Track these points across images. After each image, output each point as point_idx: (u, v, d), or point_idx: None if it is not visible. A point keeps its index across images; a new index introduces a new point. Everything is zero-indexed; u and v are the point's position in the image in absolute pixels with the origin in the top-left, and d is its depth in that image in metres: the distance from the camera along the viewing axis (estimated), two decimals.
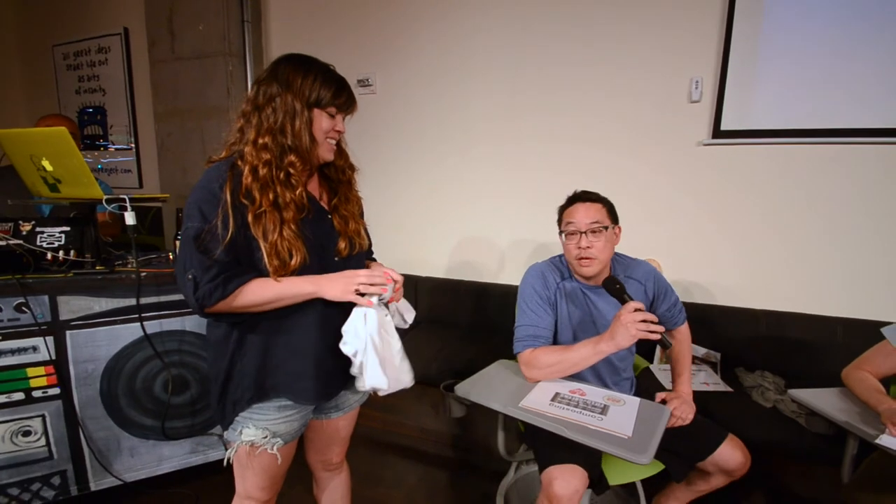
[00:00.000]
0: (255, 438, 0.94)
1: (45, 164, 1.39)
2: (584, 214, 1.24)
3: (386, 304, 1.01)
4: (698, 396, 1.35)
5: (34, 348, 1.40)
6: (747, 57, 1.87)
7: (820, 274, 1.93)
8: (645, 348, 1.88)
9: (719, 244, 2.06)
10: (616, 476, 1.18)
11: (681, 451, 1.22)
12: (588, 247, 1.21)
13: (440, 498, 1.74)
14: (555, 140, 2.27)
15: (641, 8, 2.03)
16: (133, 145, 3.36)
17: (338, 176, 1.03)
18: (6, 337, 1.36)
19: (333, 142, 0.97)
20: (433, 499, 1.73)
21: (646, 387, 1.42)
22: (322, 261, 0.96)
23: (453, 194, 2.53)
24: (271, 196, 0.87)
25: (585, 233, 1.22)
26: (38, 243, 1.46)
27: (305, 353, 0.94)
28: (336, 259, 0.99)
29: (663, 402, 1.25)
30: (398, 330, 1.03)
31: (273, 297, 0.88)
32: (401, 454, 2.03)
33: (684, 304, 1.41)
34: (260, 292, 0.87)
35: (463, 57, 2.39)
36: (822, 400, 1.28)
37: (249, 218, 0.86)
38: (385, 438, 2.14)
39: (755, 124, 1.91)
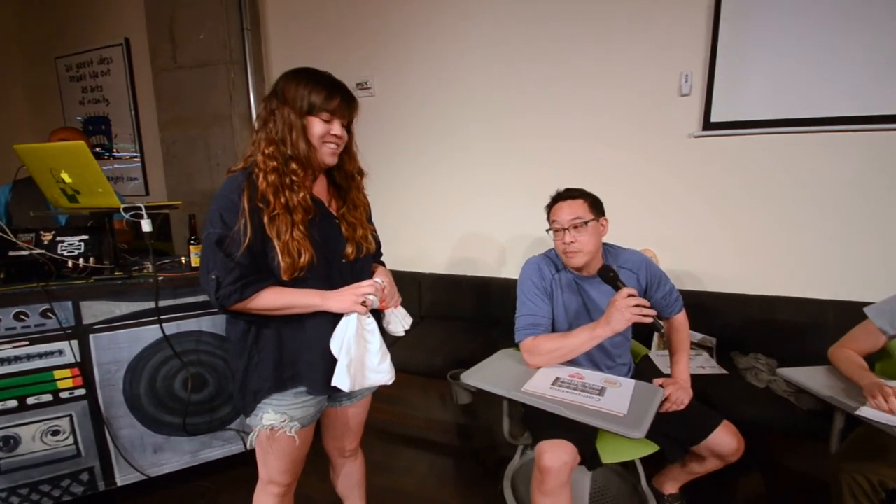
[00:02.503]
0: (275, 422, 1.02)
1: (65, 176, 1.46)
2: (566, 212, 1.31)
3: (379, 311, 1.09)
4: (695, 380, 1.40)
5: (60, 352, 1.47)
6: (735, 50, 1.93)
7: (811, 258, 1.99)
8: (643, 335, 1.94)
9: (712, 233, 2.13)
10: (609, 455, 1.24)
11: (676, 434, 1.26)
12: (572, 241, 1.29)
13: (449, 484, 1.81)
14: (549, 136, 2.33)
15: (630, 4, 2.08)
16: (138, 153, 3.43)
17: (347, 182, 1.09)
18: (34, 342, 1.43)
19: (333, 146, 1.00)
20: (443, 485, 1.80)
21: (644, 373, 1.48)
22: (330, 263, 1.03)
23: (452, 192, 2.59)
24: (283, 199, 0.94)
25: (568, 229, 1.30)
26: (59, 252, 1.53)
27: (316, 347, 1.01)
28: (343, 261, 1.06)
29: (661, 386, 1.30)
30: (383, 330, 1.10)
31: (284, 305, 0.97)
32: (410, 444, 2.10)
33: (680, 291, 1.46)
34: (273, 299, 0.96)
35: (457, 57, 2.44)
36: (810, 378, 1.33)
37: (265, 220, 0.93)
38: (394, 429, 2.21)
39: (744, 115, 1.97)
